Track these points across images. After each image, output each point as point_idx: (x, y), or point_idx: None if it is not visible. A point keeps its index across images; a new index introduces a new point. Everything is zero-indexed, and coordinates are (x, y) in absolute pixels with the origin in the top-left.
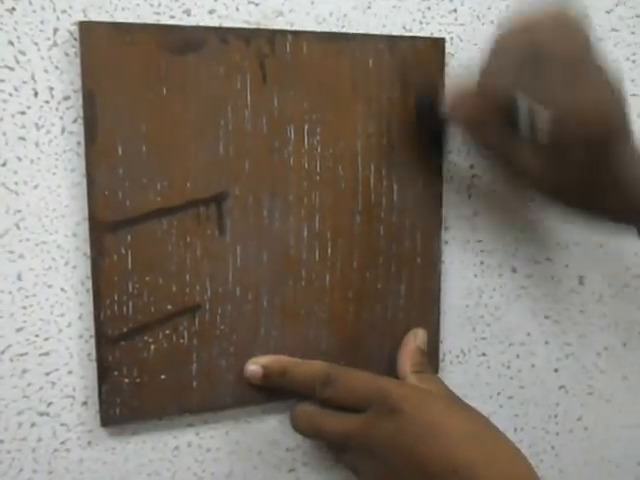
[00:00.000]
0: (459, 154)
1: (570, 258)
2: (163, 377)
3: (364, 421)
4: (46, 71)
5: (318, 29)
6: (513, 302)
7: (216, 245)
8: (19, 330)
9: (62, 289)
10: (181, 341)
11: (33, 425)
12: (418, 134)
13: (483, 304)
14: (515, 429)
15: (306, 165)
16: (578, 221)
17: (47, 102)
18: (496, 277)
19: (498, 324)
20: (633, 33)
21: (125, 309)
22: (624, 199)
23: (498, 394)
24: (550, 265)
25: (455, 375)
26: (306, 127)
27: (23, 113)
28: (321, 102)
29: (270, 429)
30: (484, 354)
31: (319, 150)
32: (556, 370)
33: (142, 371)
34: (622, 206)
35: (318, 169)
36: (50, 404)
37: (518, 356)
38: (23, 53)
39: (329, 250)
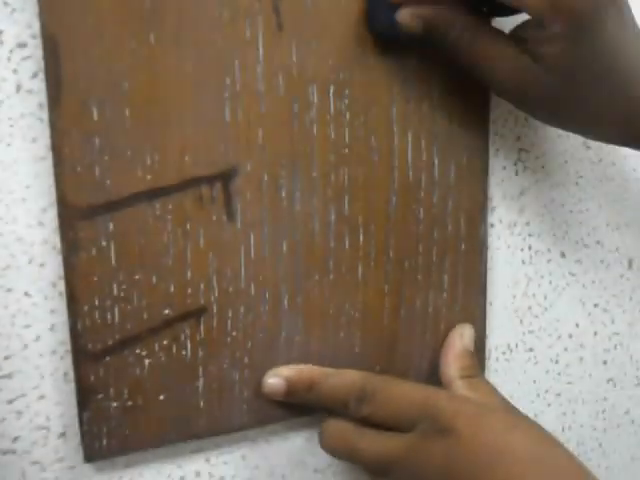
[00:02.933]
0: (505, 124)
1: (620, 240)
2: (162, 398)
3: (409, 442)
4: None
5: None
6: (562, 291)
7: (224, 233)
8: None
9: (26, 293)
10: (183, 353)
11: None
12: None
13: (531, 294)
14: (563, 428)
15: (332, 135)
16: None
17: None
18: (545, 263)
19: (546, 315)
20: None
21: (110, 316)
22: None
23: (546, 392)
24: (600, 249)
25: (500, 373)
26: (332, 88)
27: None
28: (350, 58)
29: (295, 449)
30: (531, 349)
31: (348, 117)
32: (604, 362)
33: (134, 392)
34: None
35: (347, 140)
36: (16, 439)
37: (566, 349)
38: None
39: (361, 237)
